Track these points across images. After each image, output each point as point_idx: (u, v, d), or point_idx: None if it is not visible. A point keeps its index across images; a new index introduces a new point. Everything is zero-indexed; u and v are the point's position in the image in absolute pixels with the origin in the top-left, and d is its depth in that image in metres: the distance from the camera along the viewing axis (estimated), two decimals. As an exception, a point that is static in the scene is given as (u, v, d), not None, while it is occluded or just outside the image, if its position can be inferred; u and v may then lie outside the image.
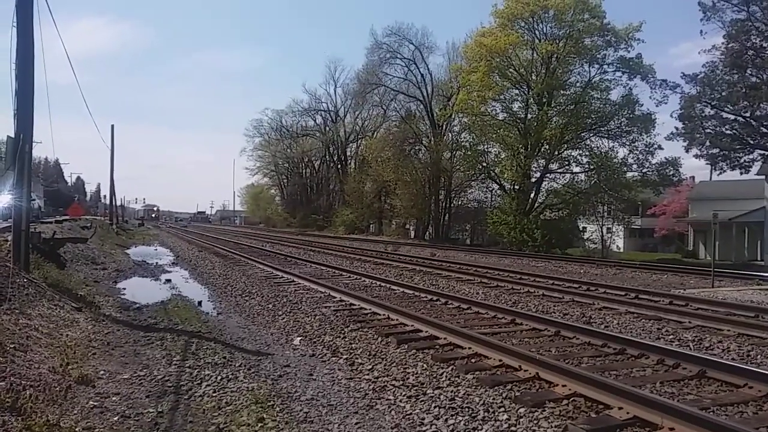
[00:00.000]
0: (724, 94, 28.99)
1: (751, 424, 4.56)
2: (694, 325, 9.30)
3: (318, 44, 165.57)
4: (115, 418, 4.56)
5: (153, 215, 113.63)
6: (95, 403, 4.85)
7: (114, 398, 5.06)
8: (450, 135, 47.80)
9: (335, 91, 72.49)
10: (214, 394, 5.26)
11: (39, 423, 4.09)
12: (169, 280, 15.30)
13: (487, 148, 41.06)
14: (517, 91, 38.18)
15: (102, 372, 5.86)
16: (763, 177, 33.21)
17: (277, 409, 4.95)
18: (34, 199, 31.70)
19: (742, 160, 29.94)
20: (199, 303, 11.32)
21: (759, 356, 7.29)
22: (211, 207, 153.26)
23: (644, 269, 20.96)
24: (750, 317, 9.97)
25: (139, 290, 13.13)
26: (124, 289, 13.35)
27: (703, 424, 4.27)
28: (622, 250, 46.95)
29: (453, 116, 44.31)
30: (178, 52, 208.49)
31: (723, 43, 28.63)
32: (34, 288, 8.75)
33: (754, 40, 28.44)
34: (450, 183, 47.60)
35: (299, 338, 8.04)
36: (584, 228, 40.31)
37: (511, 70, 36.66)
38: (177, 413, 4.77)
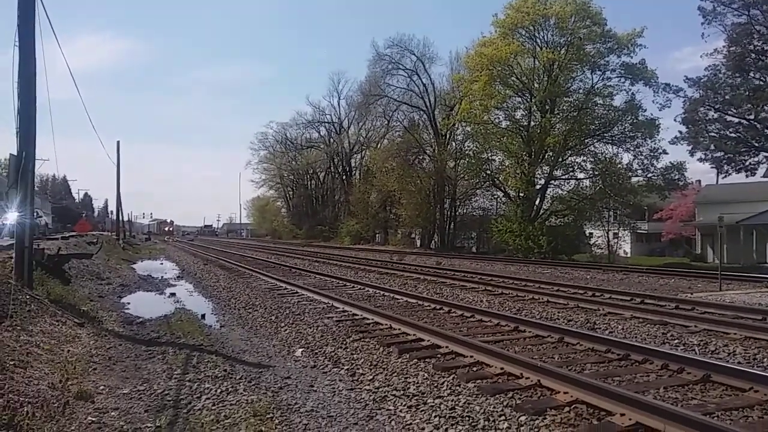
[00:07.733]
0: (727, 97, 28.89)
1: (756, 429, 4.50)
2: (700, 329, 9.20)
3: (321, 57, 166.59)
4: (113, 434, 4.54)
5: (167, 228, 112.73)
6: (93, 419, 4.83)
7: (113, 413, 5.04)
8: (453, 144, 47.85)
9: (339, 103, 72.99)
10: (213, 408, 5.23)
11: (35, 439, 4.08)
12: (173, 294, 15.31)
13: (490, 156, 41.10)
14: (519, 99, 38.26)
15: (102, 387, 5.85)
16: (770, 179, 33.09)
17: (276, 421, 4.92)
18: (40, 216, 32.04)
19: (747, 163, 29.79)
20: (203, 316, 11.31)
21: (765, 359, 7.20)
22: (218, 220, 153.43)
23: (651, 274, 20.80)
24: (757, 320, 9.84)
25: (142, 304, 13.15)
26: (128, 303, 13.38)
27: (707, 430, 4.20)
28: (629, 255, 46.65)
29: (456, 125, 44.38)
30: (180, 67, 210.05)
31: (725, 47, 28.60)
32: (36, 304, 8.76)
33: (755, 44, 28.40)
34: (455, 191, 47.56)
35: (301, 350, 8.01)
36: (590, 234, 40.13)
37: (512, 78, 36.77)
38: (175, 427, 4.75)
